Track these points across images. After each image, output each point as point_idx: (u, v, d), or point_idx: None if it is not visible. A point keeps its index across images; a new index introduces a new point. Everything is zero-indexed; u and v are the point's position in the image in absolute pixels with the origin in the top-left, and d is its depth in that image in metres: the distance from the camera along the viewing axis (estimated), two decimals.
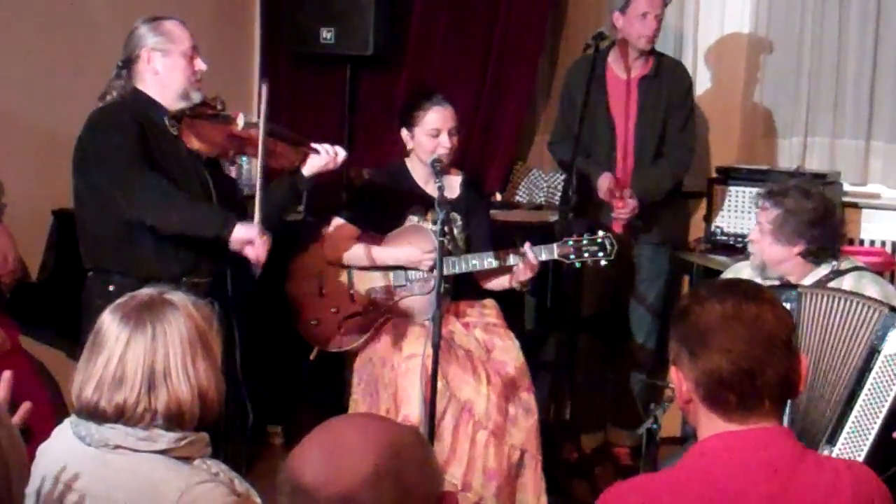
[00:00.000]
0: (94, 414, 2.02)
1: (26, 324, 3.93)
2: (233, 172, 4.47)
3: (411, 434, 1.54)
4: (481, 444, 3.66)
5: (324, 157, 3.52)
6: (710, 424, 1.88)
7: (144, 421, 2.02)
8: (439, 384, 3.50)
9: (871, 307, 2.92)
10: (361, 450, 1.46)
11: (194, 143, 3.35)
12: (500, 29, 5.10)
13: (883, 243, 4.67)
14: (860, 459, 2.78)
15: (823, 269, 3.25)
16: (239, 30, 5.41)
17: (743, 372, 1.84)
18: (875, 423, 2.85)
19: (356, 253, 3.93)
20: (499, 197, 5.11)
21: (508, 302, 4.00)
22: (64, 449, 2.06)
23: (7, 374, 2.08)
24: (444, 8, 5.16)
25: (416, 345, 3.70)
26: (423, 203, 3.92)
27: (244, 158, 4.44)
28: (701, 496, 1.80)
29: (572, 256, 3.77)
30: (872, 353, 2.88)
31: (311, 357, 4.01)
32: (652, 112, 4.50)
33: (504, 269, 3.83)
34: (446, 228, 3.50)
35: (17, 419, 2.00)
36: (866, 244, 4.67)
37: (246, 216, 3.35)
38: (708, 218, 4.74)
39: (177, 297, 2.11)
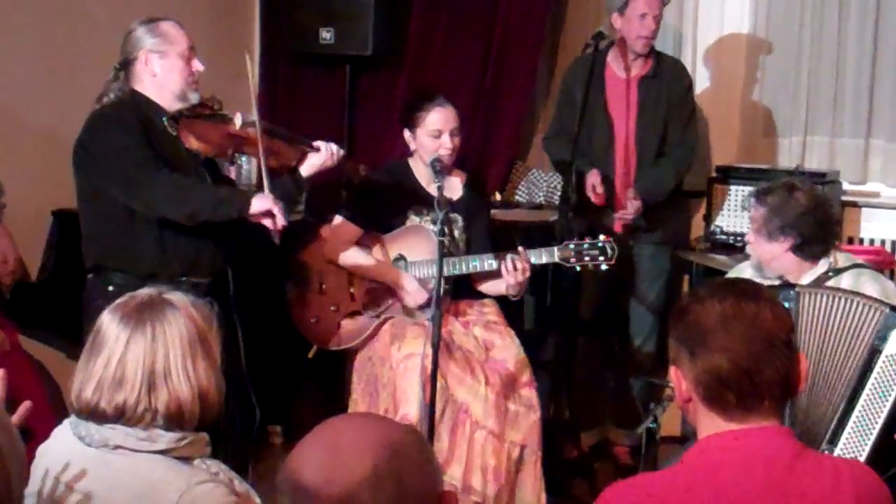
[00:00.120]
0: (94, 414, 2.02)
1: (26, 324, 3.93)
2: (232, 172, 4.48)
3: (411, 434, 1.54)
4: (480, 443, 3.66)
5: (323, 154, 3.53)
6: (710, 423, 1.88)
7: (144, 421, 2.02)
8: (438, 384, 3.50)
9: (871, 307, 2.91)
10: (361, 449, 1.46)
11: (193, 144, 3.35)
12: (499, 29, 5.10)
13: (882, 242, 4.67)
14: (861, 459, 2.78)
15: (821, 267, 3.25)
16: (238, 30, 5.40)
17: (742, 371, 1.84)
18: (876, 423, 2.85)
19: (355, 260, 3.93)
20: (498, 197, 5.11)
21: (507, 301, 4.00)
22: (64, 449, 2.06)
23: (1, 372, 2.08)
24: (444, 8, 5.16)
25: (415, 344, 3.70)
26: (424, 203, 3.92)
27: (244, 158, 4.44)
28: (701, 495, 1.80)
29: (573, 260, 3.77)
30: (873, 353, 2.87)
31: (310, 355, 4.02)
32: (652, 111, 4.50)
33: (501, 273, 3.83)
34: (446, 229, 3.50)
35: (16, 419, 2.00)
36: (866, 243, 4.67)
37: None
38: (708, 217, 4.74)
39: (176, 297, 2.11)
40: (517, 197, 5.22)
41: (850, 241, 4.67)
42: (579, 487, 4.33)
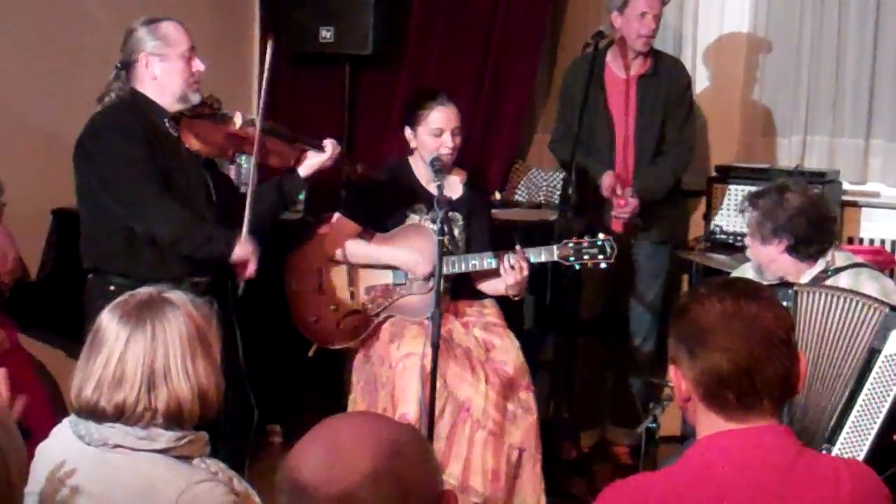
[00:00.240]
0: (94, 413, 2.02)
1: (26, 323, 3.93)
2: (232, 172, 4.48)
3: (410, 433, 1.54)
4: (480, 443, 3.66)
5: (323, 154, 3.55)
6: (710, 423, 1.88)
7: (144, 420, 2.02)
8: (437, 383, 3.50)
9: (870, 306, 2.91)
10: (360, 448, 1.46)
11: (194, 144, 3.35)
12: (499, 28, 5.10)
13: (882, 242, 4.67)
14: (859, 459, 2.78)
15: (818, 267, 3.25)
16: (238, 29, 5.41)
17: (742, 371, 1.84)
18: (875, 423, 2.85)
19: (354, 249, 3.94)
20: (498, 196, 5.11)
21: (507, 301, 4.00)
22: (63, 448, 2.06)
23: (2, 371, 2.08)
24: (444, 7, 5.16)
25: (415, 343, 3.70)
26: (424, 201, 3.92)
27: (244, 158, 4.44)
28: (700, 495, 1.80)
29: (572, 258, 3.78)
30: (872, 353, 2.87)
31: (310, 353, 4.02)
32: (651, 110, 4.50)
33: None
34: (446, 228, 3.50)
35: (14, 414, 2.01)
36: (866, 243, 4.67)
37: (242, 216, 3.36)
38: (707, 217, 4.74)
39: (176, 295, 2.11)
40: (517, 196, 5.22)
41: (850, 241, 4.67)
42: (579, 487, 4.33)
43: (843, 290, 3.03)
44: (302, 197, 4.72)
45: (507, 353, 3.84)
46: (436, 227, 3.51)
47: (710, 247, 4.62)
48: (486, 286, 3.99)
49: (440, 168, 3.79)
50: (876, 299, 2.96)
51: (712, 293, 1.91)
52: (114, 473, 1.99)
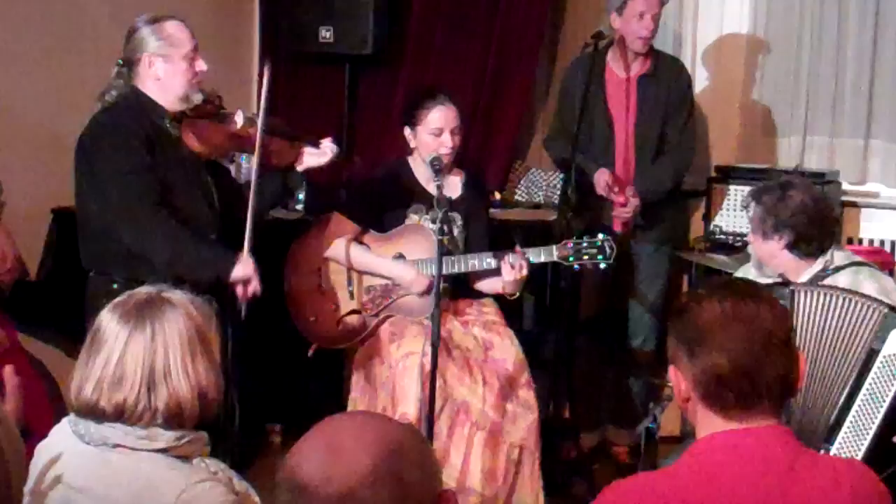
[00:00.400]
0: (94, 413, 2.02)
1: (25, 322, 3.92)
2: (231, 170, 4.48)
3: (410, 432, 1.54)
4: (478, 444, 3.66)
5: (321, 154, 3.55)
6: (709, 423, 1.88)
7: (144, 420, 2.02)
8: (437, 382, 3.50)
9: (869, 306, 2.91)
10: (360, 448, 1.46)
11: (195, 146, 3.35)
12: (498, 28, 5.10)
13: (882, 242, 4.67)
14: (857, 459, 2.78)
15: (818, 265, 3.25)
16: (238, 29, 5.41)
17: (741, 371, 1.84)
18: (873, 423, 2.85)
19: (353, 254, 3.93)
20: (498, 196, 5.12)
21: (507, 301, 4.00)
22: (63, 447, 2.06)
23: (9, 368, 2.08)
24: (443, 7, 5.16)
25: (414, 343, 3.70)
26: (423, 201, 3.92)
27: (244, 157, 4.45)
28: (700, 495, 1.80)
29: (571, 259, 3.78)
30: (871, 353, 2.87)
31: (309, 353, 4.02)
32: (651, 110, 4.50)
33: (500, 271, 3.83)
34: (445, 228, 3.50)
35: (10, 406, 2.01)
36: (865, 243, 4.67)
37: (245, 211, 3.34)
38: (707, 217, 4.74)
39: (175, 295, 2.11)
40: (516, 196, 5.22)
41: (850, 241, 4.67)
42: (578, 487, 4.33)
43: (842, 289, 3.03)
44: (302, 196, 4.72)
45: (507, 350, 3.84)
46: (435, 227, 3.51)
47: (710, 247, 4.62)
48: (483, 285, 3.99)
49: (440, 168, 3.79)
50: (875, 299, 2.96)
51: (712, 293, 1.91)
52: (114, 473, 1.99)
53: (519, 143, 5.30)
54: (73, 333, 2.80)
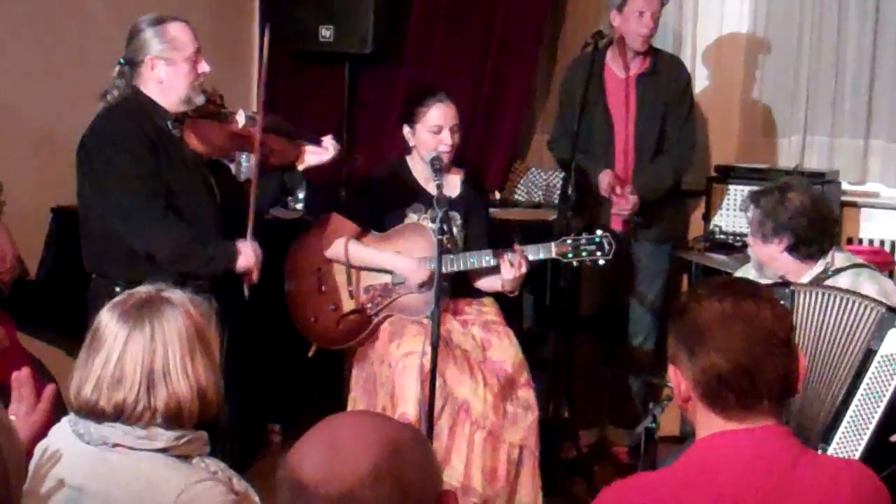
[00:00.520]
0: (93, 413, 2.02)
1: (25, 321, 3.93)
2: (231, 168, 4.47)
3: (411, 432, 1.53)
4: (479, 444, 3.66)
5: (323, 152, 3.55)
6: (709, 423, 1.88)
7: (143, 420, 2.01)
8: (437, 382, 3.50)
9: (867, 306, 2.92)
10: (361, 448, 1.46)
11: (197, 146, 3.35)
12: (498, 27, 5.10)
13: (882, 242, 4.67)
14: (855, 459, 2.78)
15: (818, 267, 3.25)
16: (238, 28, 5.41)
17: (742, 370, 1.84)
18: (870, 423, 2.85)
19: (353, 251, 3.93)
20: (497, 195, 5.12)
21: (507, 300, 4.00)
22: (62, 447, 2.05)
23: (25, 371, 2.09)
24: (443, 6, 5.16)
25: (414, 343, 3.70)
26: (422, 201, 3.92)
27: (244, 156, 4.45)
28: (699, 495, 1.80)
29: (570, 255, 3.78)
30: (869, 353, 2.88)
31: (310, 354, 4.02)
32: (651, 109, 4.50)
33: (499, 269, 3.83)
34: (445, 227, 3.50)
35: (44, 404, 2.02)
36: (865, 243, 4.67)
37: (247, 210, 3.34)
38: (707, 216, 4.74)
39: (175, 294, 2.11)
40: (516, 196, 5.22)
41: (850, 241, 4.67)
42: (578, 487, 4.33)
43: (841, 289, 3.04)
44: (302, 196, 4.72)
45: (506, 350, 3.84)
46: (435, 227, 3.51)
47: (710, 247, 4.62)
48: (482, 283, 3.99)
49: (440, 167, 3.79)
50: (873, 299, 2.96)
51: (712, 293, 1.91)
52: (113, 473, 1.99)
53: (519, 143, 5.30)
54: (73, 333, 2.80)
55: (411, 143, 3.95)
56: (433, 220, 3.67)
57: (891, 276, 4.33)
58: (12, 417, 1.97)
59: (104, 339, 2.04)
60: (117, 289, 3.17)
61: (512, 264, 3.73)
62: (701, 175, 4.85)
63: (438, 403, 3.57)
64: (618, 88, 4.52)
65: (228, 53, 5.20)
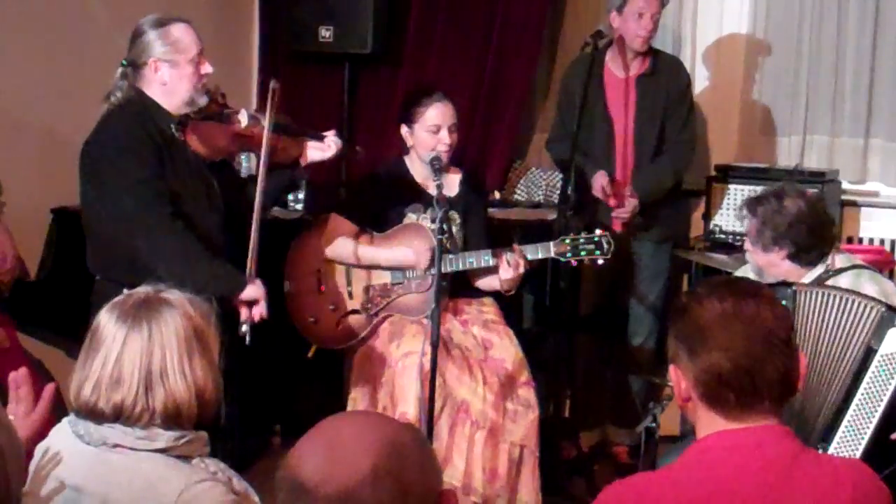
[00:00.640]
0: (93, 413, 2.02)
1: (25, 322, 3.92)
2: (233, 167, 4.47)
3: (410, 432, 1.54)
4: (479, 444, 3.66)
5: (326, 149, 3.55)
6: (709, 423, 1.88)
7: (142, 421, 2.01)
8: (437, 381, 3.50)
9: (867, 305, 2.92)
10: (360, 448, 1.46)
11: (199, 148, 3.34)
12: (498, 27, 5.10)
13: (882, 241, 4.67)
14: (856, 458, 2.78)
15: (819, 269, 3.25)
16: (238, 28, 5.41)
17: (742, 370, 1.84)
18: (870, 422, 2.85)
19: (351, 251, 3.93)
20: (497, 195, 5.11)
21: (507, 300, 4.00)
22: (62, 448, 2.06)
23: (22, 371, 2.09)
24: (443, 6, 5.16)
25: (414, 342, 3.71)
26: (421, 200, 3.92)
27: (244, 155, 4.45)
28: (700, 495, 1.80)
29: (569, 255, 3.78)
30: (869, 352, 2.88)
31: (309, 354, 4.02)
32: (651, 110, 4.50)
33: (498, 269, 3.83)
34: (444, 227, 3.50)
35: (43, 404, 2.02)
36: (865, 242, 4.67)
37: (251, 209, 3.33)
38: (707, 216, 4.74)
39: (174, 295, 2.11)
40: (516, 196, 5.22)
41: (850, 240, 4.67)
42: (578, 487, 4.33)
43: (842, 289, 3.04)
44: (302, 196, 4.72)
45: (506, 349, 3.84)
46: (434, 226, 3.51)
47: (710, 246, 4.62)
48: (481, 282, 3.99)
49: (440, 167, 3.79)
50: (873, 298, 2.96)
51: (712, 293, 1.91)
52: (113, 473, 1.99)
53: (519, 143, 5.29)
54: (74, 333, 2.80)
55: (409, 143, 3.95)
56: (432, 220, 3.67)
57: (891, 275, 4.34)
58: (11, 418, 1.97)
59: (103, 339, 2.04)
60: (122, 291, 3.17)
61: (510, 264, 3.73)
62: (701, 175, 4.85)
63: (438, 403, 3.58)
64: (617, 89, 4.52)
65: (228, 54, 5.20)
